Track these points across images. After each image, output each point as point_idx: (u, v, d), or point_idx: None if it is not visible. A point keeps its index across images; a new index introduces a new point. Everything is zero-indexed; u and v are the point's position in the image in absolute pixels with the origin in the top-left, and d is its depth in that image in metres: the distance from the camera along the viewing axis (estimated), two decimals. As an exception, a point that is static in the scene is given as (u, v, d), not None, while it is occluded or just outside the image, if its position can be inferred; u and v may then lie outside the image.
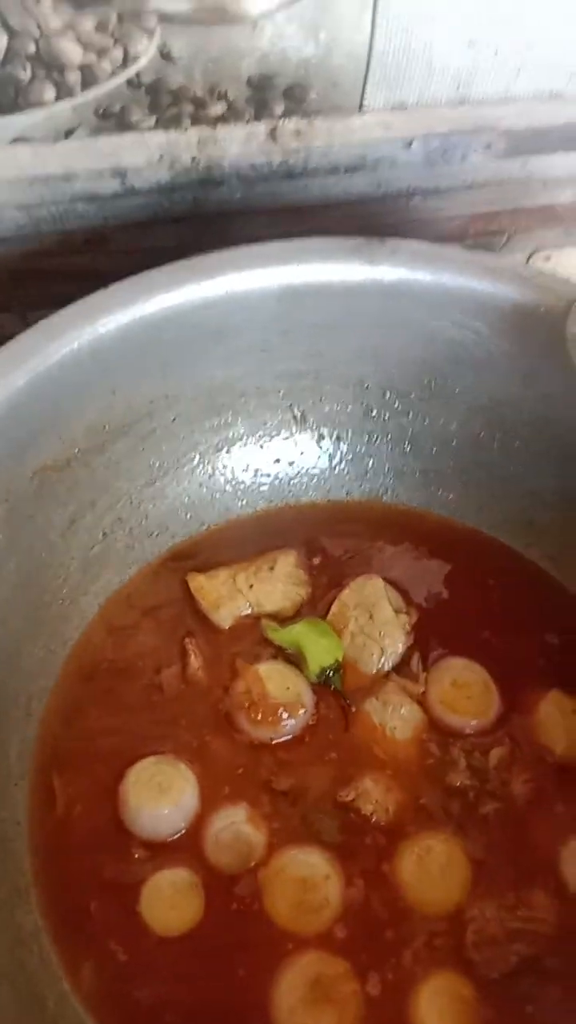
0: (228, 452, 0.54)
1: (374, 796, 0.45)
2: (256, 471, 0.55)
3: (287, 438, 0.55)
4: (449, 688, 0.48)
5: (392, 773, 0.46)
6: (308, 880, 0.43)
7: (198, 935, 0.41)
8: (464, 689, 0.48)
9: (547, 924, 0.42)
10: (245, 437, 0.54)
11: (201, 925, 0.42)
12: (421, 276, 0.46)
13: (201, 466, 0.53)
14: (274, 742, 0.46)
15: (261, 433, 0.54)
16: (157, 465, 0.52)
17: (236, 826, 0.44)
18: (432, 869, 0.43)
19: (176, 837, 0.44)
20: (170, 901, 0.42)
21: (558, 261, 0.62)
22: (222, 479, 0.54)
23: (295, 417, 0.54)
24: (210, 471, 0.54)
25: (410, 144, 0.51)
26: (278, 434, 0.54)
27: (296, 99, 0.47)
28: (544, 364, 0.44)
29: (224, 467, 0.54)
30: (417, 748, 0.46)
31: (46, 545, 0.48)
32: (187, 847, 0.43)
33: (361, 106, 0.49)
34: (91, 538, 0.50)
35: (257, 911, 0.42)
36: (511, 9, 0.46)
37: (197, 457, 0.53)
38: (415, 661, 0.49)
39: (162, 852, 0.43)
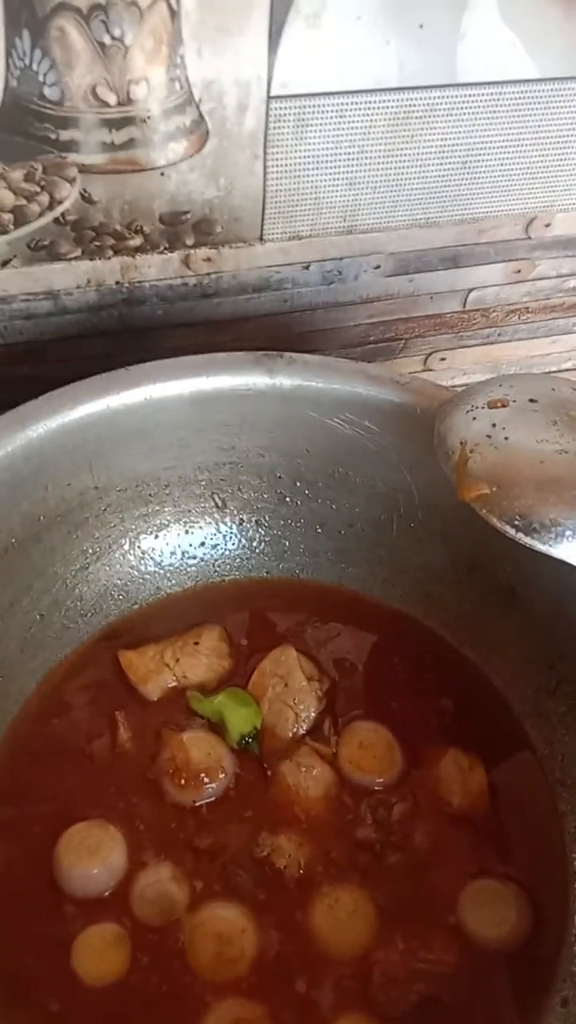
0: (156, 537, 0.57)
1: (287, 851, 0.47)
2: (183, 553, 0.58)
3: (210, 523, 0.58)
4: (356, 749, 0.51)
5: (305, 829, 0.48)
6: (225, 934, 0.45)
7: (125, 984, 0.43)
8: (370, 750, 0.51)
9: (447, 964, 0.44)
10: (172, 523, 0.57)
11: (128, 975, 0.43)
12: (314, 383, 0.51)
13: (132, 551, 0.57)
14: (197, 804, 0.49)
15: (186, 520, 0.58)
16: (90, 551, 0.55)
17: (160, 883, 0.46)
18: (341, 917, 0.45)
19: (106, 895, 0.46)
20: (99, 953, 0.44)
21: (452, 361, 0.67)
22: (151, 562, 0.57)
23: (217, 505, 0.57)
24: (140, 555, 0.57)
25: (308, 267, 0.56)
26: (202, 520, 0.58)
27: (204, 232, 0.52)
28: (425, 456, 0.47)
29: (153, 550, 0.57)
30: (328, 805, 0.49)
31: (-14, 627, 0.50)
32: (115, 903, 0.45)
33: (262, 237, 0.54)
34: (29, 620, 0.52)
35: (180, 962, 0.44)
36: (382, 152, 0.52)
37: (128, 543, 0.56)
38: (327, 725, 0.52)
39: (92, 909, 0.45)
